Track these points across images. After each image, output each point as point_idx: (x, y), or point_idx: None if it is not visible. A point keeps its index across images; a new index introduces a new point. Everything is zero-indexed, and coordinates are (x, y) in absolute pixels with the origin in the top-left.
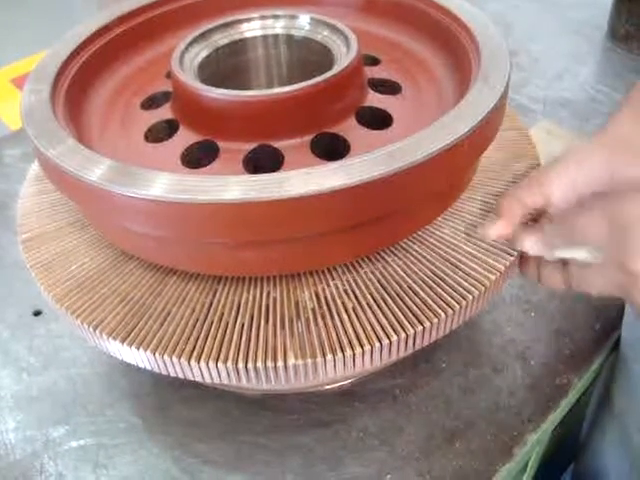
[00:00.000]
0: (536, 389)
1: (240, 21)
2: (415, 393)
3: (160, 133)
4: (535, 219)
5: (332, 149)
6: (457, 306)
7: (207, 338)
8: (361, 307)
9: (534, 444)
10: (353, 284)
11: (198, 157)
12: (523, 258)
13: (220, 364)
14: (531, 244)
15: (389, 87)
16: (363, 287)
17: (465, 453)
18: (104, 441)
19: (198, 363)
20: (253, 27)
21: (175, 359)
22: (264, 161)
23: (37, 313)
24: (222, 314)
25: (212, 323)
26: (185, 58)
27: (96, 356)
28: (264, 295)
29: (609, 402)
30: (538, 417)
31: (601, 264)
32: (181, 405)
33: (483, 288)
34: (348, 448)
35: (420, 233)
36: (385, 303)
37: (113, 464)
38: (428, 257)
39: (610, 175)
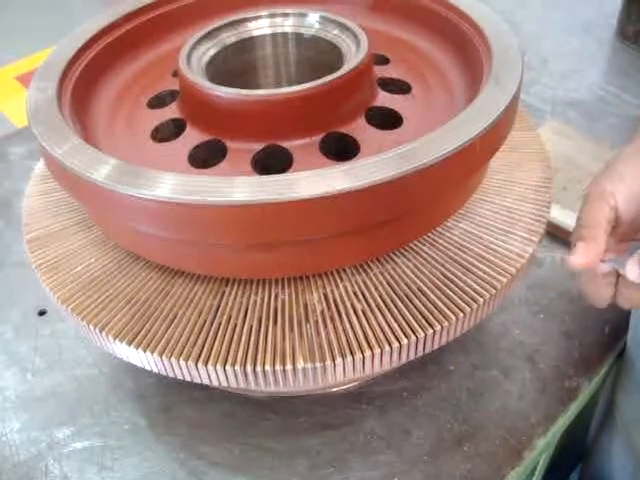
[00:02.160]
0: (545, 392)
1: (248, 19)
2: (423, 396)
3: (167, 132)
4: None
5: (341, 149)
6: (468, 309)
7: (215, 341)
8: (370, 309)
9: (543, 448)
10: (362, 286)
11: (206, 157)
12: (593, 277)
13: (228, 367)
14: (635, 271)
15: (399, 87)
16: (373, 289)
17: (473, 457)
18: (109, 442)
19: (206, 366)
20: (262, 25)
21: (182, 362)
22: (273, 161)
23: (42, 313)
24: (230, 316)
25: (220, 325)
26: (193, 56)
27: (101, 357)
28: (272, 297)
29: (614, 403)
30: (547, 421)
31: None
32: (187, 407)
33: (494, 291)
34: (355, 451)
35: (430, 235)
36: (395, 305)
37: (118, 466)
38: (438, 259)
39: None
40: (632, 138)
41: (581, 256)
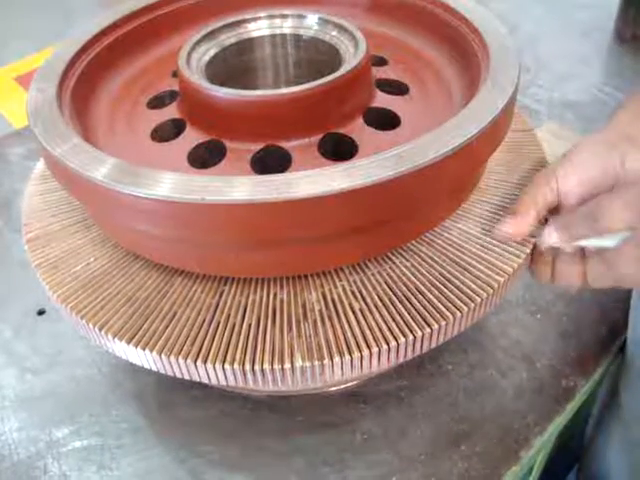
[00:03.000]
0: (542, 392)
1: (248, 20)
2: (420, 395)
3: (167, 132)
4: (546, 219)
5: (340, 150)
6: (465, 308)
7: (213, 339)
8: (368, 309)
9: (540, 447)
10: (360, 285)
11: (205, 157)
12: (535, 256)
13: (227, 366)
14: (553, 235)
15: (397, 88)
16: (370, 288)
17: (471, 456)
18: (108, 441)
19: (204, 365)
20: (261, 26)
21: (181, 360)
22: (271, 161)
23: (41, 312)
24: (229, 315)
25: (218, 324)
26: (192, 57)
27: (100, 356)
28: (271, 296)
29: (614, 402)
30: (544, 420)
31: (635, 248)
32: (186, 406)
33: (491, 290)
34: (353, 450)
35: (428, 235)
36: (393, 305)
37: (117, 465)
38: (436, 259)
39: (620, 165)
40: (604, 126)
41: (507, 227)
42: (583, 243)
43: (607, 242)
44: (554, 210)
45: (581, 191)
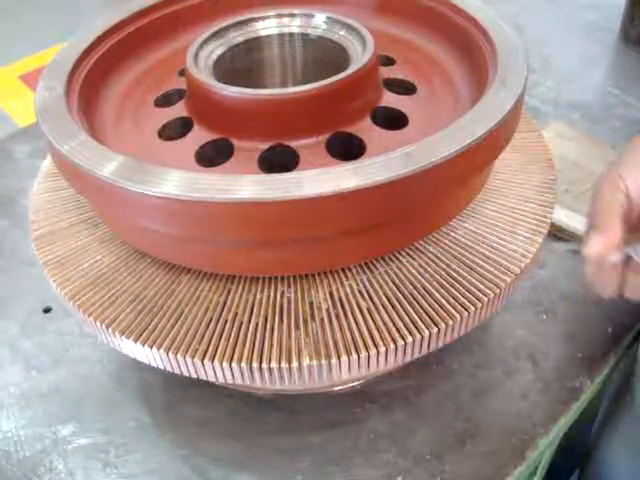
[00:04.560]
0: (548, 392)
1: (256, 19)
2: (426, 395)
3: (174, 131)
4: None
5: (347, 149)
6: (472, 308)
7: (221, 338)
8: (376, 308)
9: (545, 447)
10: (368, 285)
11: (212, 156)
12: (605, 270)
13: (234, 364)
14: None
15: (404, 87)
16: (378, 288)
17: (476, 456)
18: (114, 439)
19: (212, 363)
20: (269, 25)
21: (188, 358)
22: (279, 160)
23: (47, 310)
24: (236, 314)
25: (226, 323)
26: (200, 56)
27: (106, 354)
28: (278, 295)
29: (623, 400)
30: (549, 421)
31: None
32: (191, 404)
33: (498, 290)
34: (359, 449)
35: (435, 234)
36: (400, 304)
37: (123, 462)
38: (443, 258)
39: None
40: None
41: (597, 245)
42: None
43: None
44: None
45: None
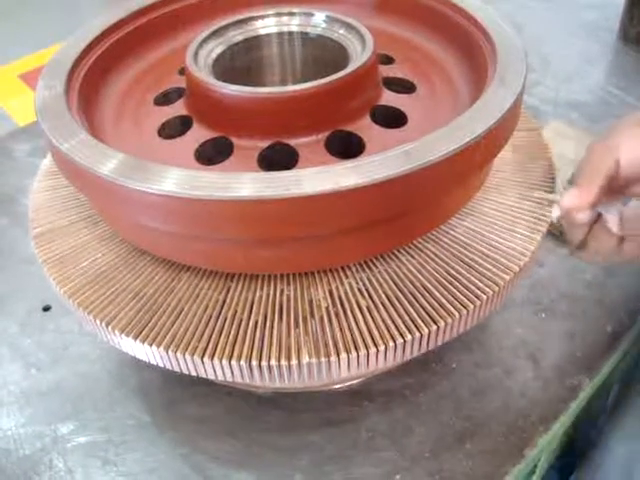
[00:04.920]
0: (547, 391)
1: (255, 18)
2: (425, 393)
3: (173, 129)
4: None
5: (347, 147)
6: (471, 306)
7: (220, 335)
8: (375, 306)
9: (544, 446)
10: (367, 283)
11: (212, 154)
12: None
13: (234, 362)
14: (615, 223)
15: (404, 86)
16: (377, 286)
17: (475, 454)
18: (113, 437)
19: (211, 360)
20: (268, 24)
21: (188, 356)
22: (278, 158)
23: (46, 308)
24: (235, 312)
25: (225, 320)
26: (199, 54)
27: (105, 352)
28: (278, 293)
29: (630, 393)
30: (549, 419)
31: None
32: (191, 402)
33: (497, 288)
34: (358, 448)
35: (434, 232)
36: (399, 302)
37: (122, 461)
38: (442, 257)
39: None
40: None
41: (571, 199)
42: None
43: None
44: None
45: (633, 166)
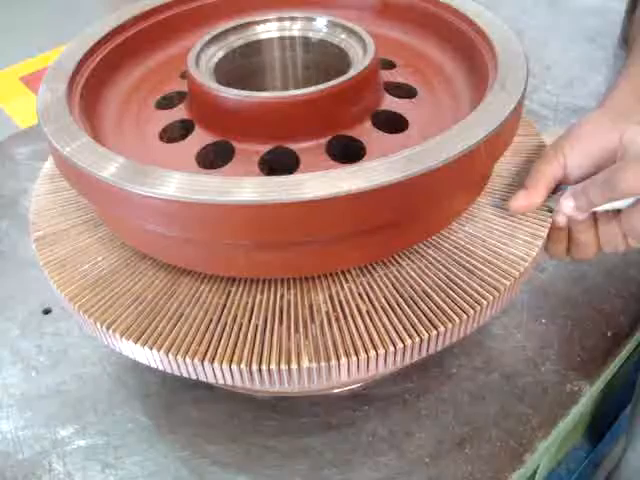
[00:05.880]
0: (547, 396)
1: (257, 22)
2: (425, 398)
3: (175, 133)
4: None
5: (348, 152)
6: (472, 311)
7: (221, 339)
8: (375, 310)
9: (544, 451)
10: (367, 287)
11: (213, 158)
12: (552, 234)
13: (234, 366)
14: (569, 203)
15: (405, 91)
16: (377, 290)
17: (475, 459)
18: (113, 441)
19: (212, 364)
20: (270, 29)
21: (188, 360)
22: (279, 163)
23: (47, 311)
24: (236, 316)
25: (226, 324)
26: (201, 59)
27: (105, 355)
28: (278, 297)
29: None
30: (548, 424)
31: None
32: (190, 406)
33: (497, 293)
34: (357, 452)
35: (435, 238)
36: (399, 307)
37: (122, 464)
38: (443, 262)
39: (618, 140)
40: (601, 102)
41: (520, 200)
42: (598, 209)
43: (619, 204)
44: (560, 183)
45: (585, 164)
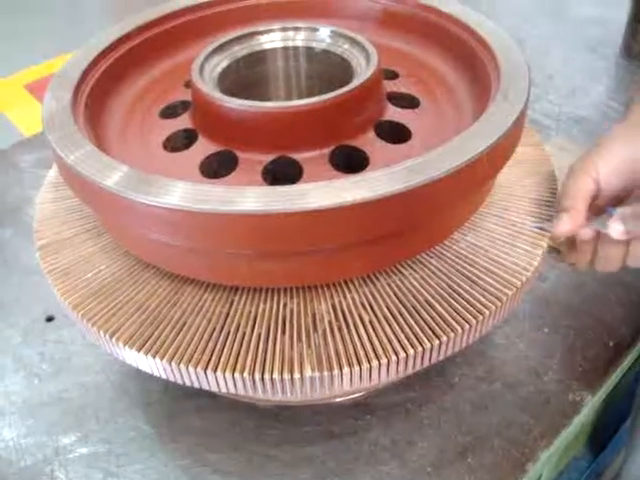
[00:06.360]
0: (549, 406)
1: (261, 32)
2: (427, 407)
3: (179, 142)
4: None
5: (351, 162)
6: (474, 321)
7: (224, 348)
8: (378, 320)
9: (546, 460)
10: (370, 297)
11: (217, 167)
12: (578, 245)
13: (236, 374)
14: (619, 226)
15: (408, 101)
16: (380, 300)
17: (477, 468)
18: (115, 449)
19: (214, 373)
20: (273, 39)
21: (191, 368)
22: (283, 172)
23: (50, 319)
24: (239, 325)
25: (229, 333)
26: (205, 68)
27: (108, 363)
28: (281, 306)
29: None
30: (551, 434)
31: None
32: (192, 414)
33: (499, 303)
34: (359, 461)
35: (437, 247)
36: (402, 316)
37: (123, 472)
38: (445, 271)
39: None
40: (624, 117)
41: (565, 224)
42: None
43: None
44: (593, 200)
45: (617, 179)
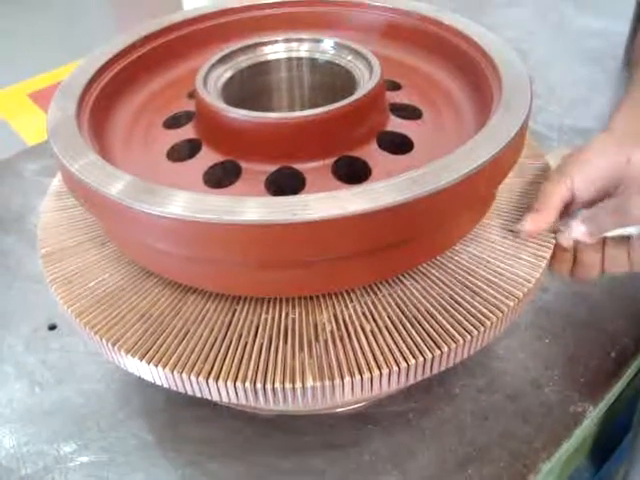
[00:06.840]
0: (550, 417)
1: (265, 43)
2: (428, 418)
3: (182, 152)
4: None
5: (353, 173)
6: (475, 332)
7: (225, 358)
8: (379, 330)
9: (547, 472)
10: (372, 307)
11: (220, 177)
12: (557, 253)
13: (238, 384)
14: (580, 228)
15: (410, 112)
16: (382, 310)
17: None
18: (116, 457)
19: (216, 382)
20: (277, 49)
21: (193, 378)
22: (286, 183)
23: (52, 327)
24: (241, 334)
25: (231, 343)
26: (209, 79)
27: (110, 372)
28: (283, 316)
29: None
30: (552, 445)
31: None
32: (194, 423)
33: (501, 314)
34: (360, 471)
35: (439, 258)
36: (403, 327)
37: None
38: (447, 282)
39: (626, 162)
40: (605, 129)
41: (529, 224)
42: (609, 234)
43: (631, 230)
44: (568, 206)
45: (592, 186)
